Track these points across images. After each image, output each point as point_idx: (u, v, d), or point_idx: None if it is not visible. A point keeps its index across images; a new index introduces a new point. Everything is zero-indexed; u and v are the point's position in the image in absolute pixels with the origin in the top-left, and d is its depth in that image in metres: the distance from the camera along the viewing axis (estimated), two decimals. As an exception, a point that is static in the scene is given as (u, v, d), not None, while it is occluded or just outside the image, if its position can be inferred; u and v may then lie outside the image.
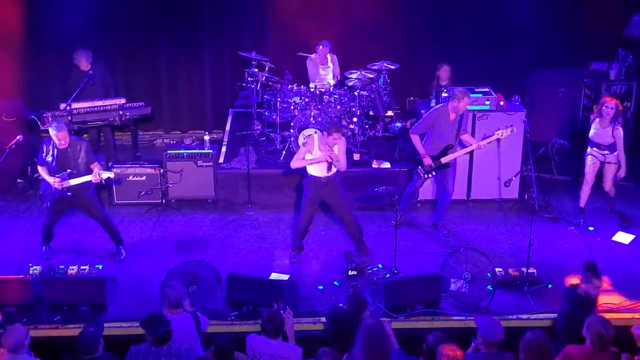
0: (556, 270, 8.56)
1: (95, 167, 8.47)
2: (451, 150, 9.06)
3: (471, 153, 9.78)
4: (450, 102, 8.93)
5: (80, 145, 8.39)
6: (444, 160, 9.06)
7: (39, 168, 8.48)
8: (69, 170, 8.25)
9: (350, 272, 8.14)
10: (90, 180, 8.36)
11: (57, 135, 8.16)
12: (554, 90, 11.59)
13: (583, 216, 9.63)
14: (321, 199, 8.72)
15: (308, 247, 9.11)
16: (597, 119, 9.22)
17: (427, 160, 9.07)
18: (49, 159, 8.30)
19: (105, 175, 8.49)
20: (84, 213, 8.98)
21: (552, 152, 9.85)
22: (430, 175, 9.18)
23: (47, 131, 10.70)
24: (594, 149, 9.32)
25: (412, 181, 9.50)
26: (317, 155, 8.39)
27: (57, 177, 8.27)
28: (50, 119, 10.45)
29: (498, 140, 9.23)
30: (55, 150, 8.28)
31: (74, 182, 8.34)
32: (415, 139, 9.18)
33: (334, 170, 8.49)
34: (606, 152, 9.25)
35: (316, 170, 8.50)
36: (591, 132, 9.29)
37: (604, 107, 9.07)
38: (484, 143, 9.09)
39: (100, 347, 5.94)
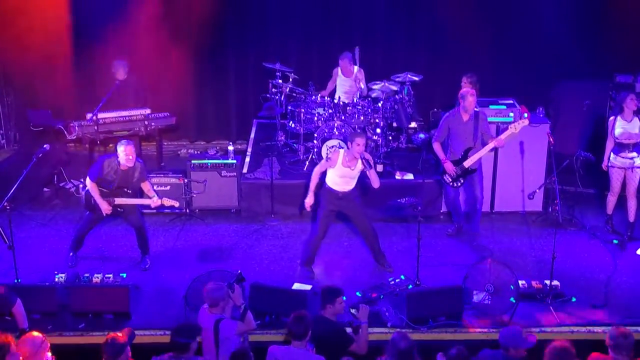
0: (580, 283, 8.51)
1: (147, 187, 8.65)
2: (471, 152, 9.06)
3: (495, 165, 9.77)
4: (460, 103, 9.05)
5: (136, 164, 8.51)
6: (466, 164, 9.06)
7: (90, 183, 8.44)
8: None
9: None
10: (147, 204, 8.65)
11: (125, 149, 8.27)
12: (579, 103, 11.55)
13: (612, 223, 9.67)
14: (338, 210, 8.73)
15: (330, 257, 9.13)
16: (619, 117, 9.18)
17: (449, 166, 9.10)
18: (111, 179, 8.39)
19: (169, 203, 8.66)
20: (120, 219, 9.05)
21: (576, 164, 9.79)
22: (458, 183, 9.19)
23: (73, 140, 10.97)
24: (619, 156, 9.23)
25: (446, 192, 9.55)
26: (340, 172, 8.40)
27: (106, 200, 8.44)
28: (76, 128, 10.59)
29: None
30: (120, 170, 8.40)
31: (125, 201, 8.51)
32: (437, 146, 9.24)
33: (352, 186, 8.51)
34: (634, 154, 9.18)
35: (335, 184, 8.51)
36: (617, 131, 9.18)
37: (628, 99, 9.11)
38: (502, 137, 8.98)
39: (124, 355, 5.97)
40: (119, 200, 8.50)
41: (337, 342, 6.66)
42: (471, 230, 9.53)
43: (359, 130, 10.06)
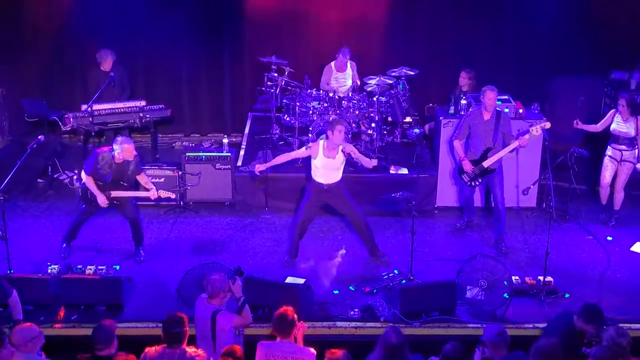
0: (573, 279, 8.52)
1: (144, 180, 8.65)
2: (491, 153, 9.02)
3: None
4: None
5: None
6: (485, 164, 9.02)
7: (86, 177, 8.46)
8: None
9: None
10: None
11: (122, 147, 8.27)
12: (574, 99, 11.54)
13: (605, 213, 9.86)
14: (324, 202, 8.74)
15: (324, 251, 9.14)
16: (618, 114, 9.49)
17: (467, 165, 9.06)
18: (105, 172, 8.39)
19: (165, 194, 8.65)
20: (114, 211, 8.99)
21: (570, 160, 9.79)
22: (476, 183, 9.18)
23: (67, 132, 10.95)
24: (612, 145, 9.54)
25: (461, 189, 9.56)
26: (322, 162, 8.39)
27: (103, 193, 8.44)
28: (71, 119, 10.56)
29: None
30: (114, 164, 8.39)
31: (122, 194, 8.50)
32: (456, 144, 9.22)
33: (337, 177, 8.50)
34: (624, 147, 9.46)
35: (319, 176, 8.49)
36: (613, 125, 9.51)
37: (618, 103, 9.45)
38: (526, 138, 8.92)
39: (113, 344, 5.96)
40: (115, 193, 8.49)
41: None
42: (498, 235, 9.35)
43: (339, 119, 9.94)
